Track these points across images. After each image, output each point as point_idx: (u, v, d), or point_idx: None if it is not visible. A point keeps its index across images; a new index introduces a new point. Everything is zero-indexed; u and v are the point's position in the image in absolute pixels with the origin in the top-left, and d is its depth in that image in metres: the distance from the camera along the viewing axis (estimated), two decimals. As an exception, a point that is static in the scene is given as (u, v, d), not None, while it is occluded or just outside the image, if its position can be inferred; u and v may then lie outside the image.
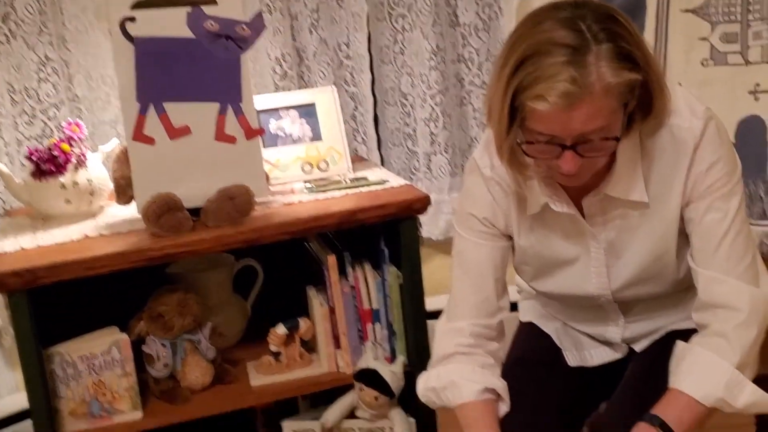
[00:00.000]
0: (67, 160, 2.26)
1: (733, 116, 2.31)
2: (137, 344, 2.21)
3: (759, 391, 1.60)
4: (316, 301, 2.29)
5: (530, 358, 1.92)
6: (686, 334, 1.72)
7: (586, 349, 1.92)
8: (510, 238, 1.80)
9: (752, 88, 2.29)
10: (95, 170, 2.32)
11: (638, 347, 1.89)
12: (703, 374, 1.59)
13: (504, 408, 1.76)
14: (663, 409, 1.59)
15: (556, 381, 1.85)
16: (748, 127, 2.31)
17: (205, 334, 2.25)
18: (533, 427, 1.75)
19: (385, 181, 2.36)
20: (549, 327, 1.97)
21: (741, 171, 1.68)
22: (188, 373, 2.23)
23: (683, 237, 1.70)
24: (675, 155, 1.63)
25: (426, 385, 1.80)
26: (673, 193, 1.65)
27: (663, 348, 1.78)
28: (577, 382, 1.88)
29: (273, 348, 2.29)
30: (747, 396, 1.59)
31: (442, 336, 1.81)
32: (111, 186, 2.29)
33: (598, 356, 1.91)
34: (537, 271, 1.82)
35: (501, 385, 1.76)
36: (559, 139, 1.50)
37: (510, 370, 1.84)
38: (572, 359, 1.91)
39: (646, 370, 1.81)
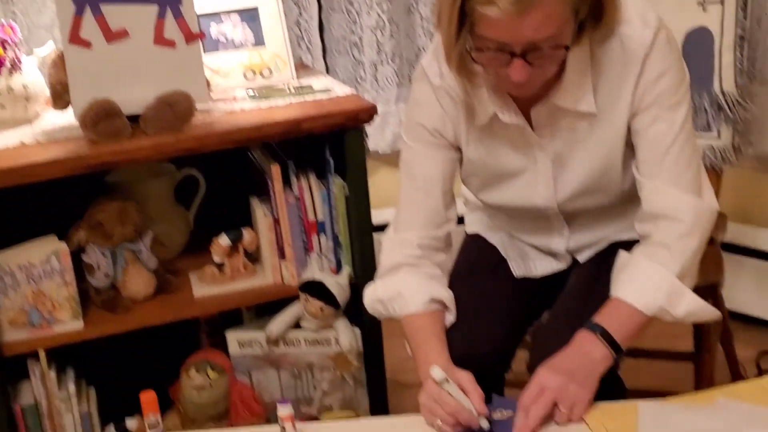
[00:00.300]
0: (1, 64, 2.19)
1: (680, 27, 2.30)
2: (77, 254, 2.18)
3: (698, 300, 1.62)
4: (259, 212, 2.27)
5: (476, 269, 1.92)
6: (629, 245, 1.73)
7: (531, 260, 1.93)
8: (458, 149, 1.78)
9: None
10: (30, 75, 2.26)
11: (581, 258, 1.90)
12: (644, 283, 1.61)
13: (450, 318, 1.76)
14: (604, 318, 1.60)
15: (501, 291, 1.87)
16: (696, 39, 2.30)
17: (146, 243, 2.22)
18: (478, 336, 1.77)
19: (330, 90, 2.32)
20: (495, 238, 1.97)
21: (689, 82, 1.67)
22: (129, 282, 2.21)
23: (629, 149, 1.69)
24: (624, 65, 1.62)
25: (373, 297, 1.80)
26: (621, 104, 1.65)
27: (605, 259, 1.79)
28: (521, 292, 1.89)
29: (216, 259, 2.27)
30: (687, 305, 1.61)
31: (388, 247, 1.81)
32: (47, 91, 2.23)
33: (542, 267, 1.92)
34: (484, 182, 1.81)
35: (447, 296, 1.76)
36: (508, 47, 1.47)
37: (456, 280, 1.85)
38: (517, 270, 1.92)
39: (588, 281, 1.82)
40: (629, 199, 1.77)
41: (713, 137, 2.29)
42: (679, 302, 1.60)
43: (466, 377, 1.58)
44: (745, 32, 2.29)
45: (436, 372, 1.53)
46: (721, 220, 2.31)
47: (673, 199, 1.64)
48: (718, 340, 2.26)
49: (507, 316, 1.84)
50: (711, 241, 2.18)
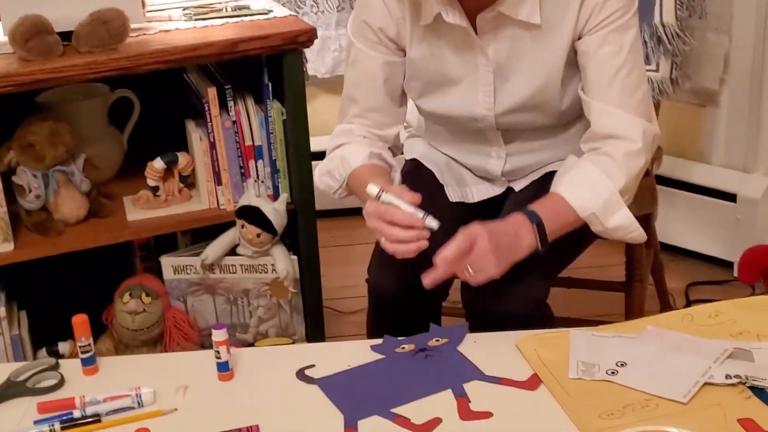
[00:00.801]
0: (-74, -23, 2.12)
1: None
2: (7, 175, 2.14)
3: (631, 218, 1.66)
4: (195, 135, 2.24)
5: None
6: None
7: (468, 186, 1.94)
8: (403, 51, 1.78)
9: (644, -70, 2.27)
10: (-43, -11, 2.18)
11: (517, 186, 1.91)
12: (586, 187, 1.65)
13: (397, 177, 1.79)
14: (543, 210, 1.63)
15: (437, 214, 1.87)
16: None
17: (79, 165, 2.18)
18: (414, 263, 1.77)
19: (269, 11, 2.28)
20: (432, 164, 1.97)
21: (637, 7, 1.68)
22: (61, 205, 2.18)
23: (570, 68, 1.70)
24: None
25: (321, 172, 1.85)
26: (566, 21, 1.65)
27: (539, 188, 1.81)
28: (457, 216, 1.89)
29: (150, 182, 2.25)
30: (618, 218, 1.65)
31: (333, 136, 1.84)
32: (-25, 7, 2.16)
33: (478, 193, 1.93)
34: (425, 87, 1.81)
35: (390, 156, 1.79)
36: None
37: None
38: (453, 195, 1.92)
39: (521, 207, 1.83)
40: (566, 124, 1.79)
41: (652, 70, 2.30)
42: (613, 214, 1.64)
43: (399, 187, 1.60)
44: (686, -35, 2.30)
45: (371, 188, 1.54)
46: (656, 152, 2.33)
47: (622, 121, 1.66)
48: (649, 270, 2.30)
49: (442, 238, 1.84)
50: (646, 173, 2.21)
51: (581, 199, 1.64)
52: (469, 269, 1.54)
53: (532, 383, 1.41)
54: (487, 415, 1.35)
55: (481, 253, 1.53)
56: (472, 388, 1.41)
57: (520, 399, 1.39)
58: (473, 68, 1.73)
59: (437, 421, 1.34)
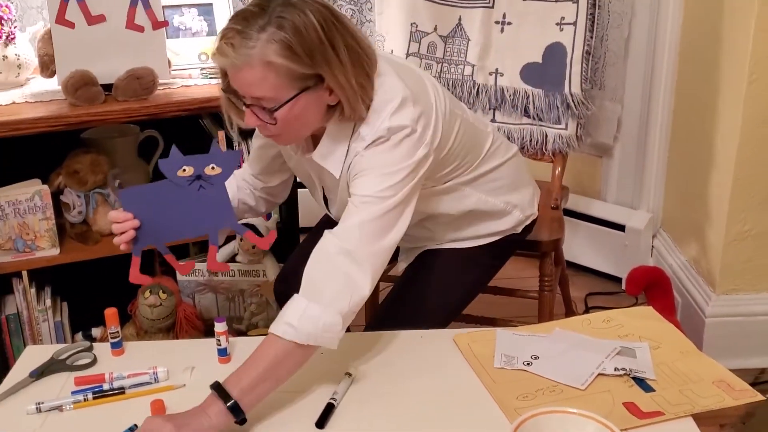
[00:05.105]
0: (-2, 37, 2.10)
1: (542, 42, 2.31)
2: (56, 195, 2.11)
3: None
4: (207, 168, 2.22)
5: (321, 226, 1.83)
6: (438, 252, 1.73)
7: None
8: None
9: (558, 21, 2.29)
10: (23, 47, 2.17)
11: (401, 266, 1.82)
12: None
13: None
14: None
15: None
16: (553, 52, 2.31)
17: (113, 189, 2.15)
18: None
19: (267, 73, 2.27)
20: None
21: (398, 184, 1.42)
22: (99, 219, 2.14)
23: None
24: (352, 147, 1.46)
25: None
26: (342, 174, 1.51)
27: (421, 264, 1.76)
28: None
29: (170, 203, 2.22)
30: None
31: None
32: (36, 61, 2.14)
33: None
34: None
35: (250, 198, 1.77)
36: (242, 96, 1.39)
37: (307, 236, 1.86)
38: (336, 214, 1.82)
39: (405, 282, 1.77)
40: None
41: (562, 128, 2.31)
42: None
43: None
44: (590, 48, 2.31)
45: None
46: (564, 191, 2.35)
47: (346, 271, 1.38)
48: (557, 282, 2.31)
49: None
50: (556, 207, 2.23)
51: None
52: None
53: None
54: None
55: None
56: (406, 371, 1.40)
57: (455, 384, 1.38)
58: (315, 184, 1.65)
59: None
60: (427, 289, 1.73)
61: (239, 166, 1.49)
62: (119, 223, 1.45)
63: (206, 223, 1.42)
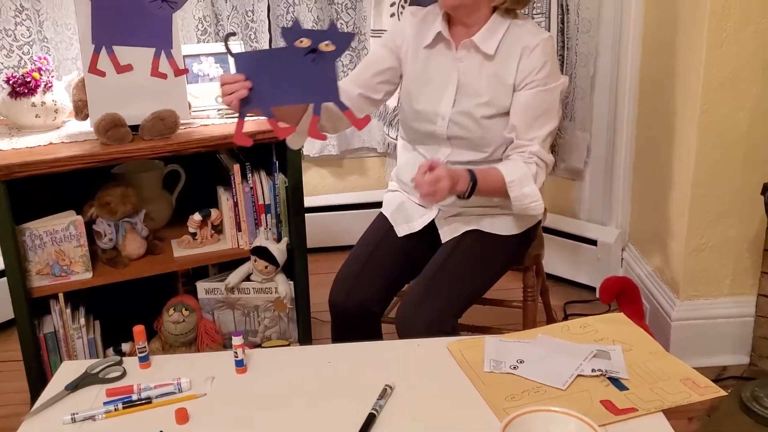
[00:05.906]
0: (37, 85, 2.11)
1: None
2: (89, 224, 2.10)
3: (537, 191, 1.71)
4: (224, 197, 2.21)
5: (368, 238, 1.90)
6: (484, 235, 1.73)
7: (412, 220, 1.88)
8: (399, 63, 1.80)
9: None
10: (59, 94, 2.17)
11: (444, 236, 1.83)
12: (511, 167, 1.69)
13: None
14: (479, 171, 1.66)
15: (389, 249, 1.84)
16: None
17: (141, 218, 2.15)
18: (357, 289, 1.73)
19: (276, 112, 2.26)
20: (388, 210, 1.93)
21: (564, 83, 1.73)
22: (127, 246, 2.13)
23: (506, 100, 1.72)
24: (522, 45, 1.68)
25: None
26: (509, 69, 1.70)
27: (461, 243, 1.78)
28: (405, 246, 1.86)
29: (191, 230, 2.21)
30: (528, 189, 1.69)
31: None
32: (71, 106, 2.15)
33: (420, 223, 1.88)
34: (410, 97, 1.80)
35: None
36: None
37: (355, 247, 1.83)
38: (401, 231, 1.88)
39: (441, 262, 1.78)
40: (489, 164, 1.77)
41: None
42: (527, 185, 1.69)
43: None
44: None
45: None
46: (543, 211, 2.33)
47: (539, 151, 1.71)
48: (538, 293, 2.30)
49: (386, 274, 1.80)
50: (539, 223, 2.21)
51: (507, 171, 1.67)
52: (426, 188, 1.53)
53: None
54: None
55: (439, 172, 1.55)
56: (404, 377, 1.39)
57: (450, 388, 1.37)
58: (447, 75, 1.74)
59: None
60: (471, 263, 1.78)
61: (352, 48, 1.59)
62: (230, 84, 1.41)
63: (313, 95, 1.34)
